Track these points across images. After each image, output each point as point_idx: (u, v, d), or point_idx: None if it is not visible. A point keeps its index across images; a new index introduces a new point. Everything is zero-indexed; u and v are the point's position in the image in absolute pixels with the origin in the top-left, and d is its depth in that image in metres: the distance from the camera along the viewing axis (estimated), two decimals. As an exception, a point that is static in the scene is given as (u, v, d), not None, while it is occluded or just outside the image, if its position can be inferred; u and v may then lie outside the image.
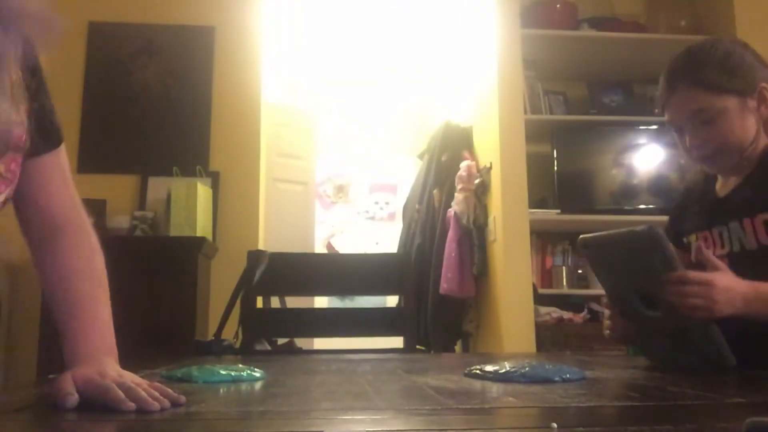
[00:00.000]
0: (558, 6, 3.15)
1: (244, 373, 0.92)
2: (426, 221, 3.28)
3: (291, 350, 2.07)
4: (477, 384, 0.87)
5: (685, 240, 1.38)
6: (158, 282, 2.56)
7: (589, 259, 1.23)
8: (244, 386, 0.87)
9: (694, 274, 1.03)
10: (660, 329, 1.11)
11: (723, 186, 1.33)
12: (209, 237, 2.86)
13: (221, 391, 0.83)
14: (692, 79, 1.24)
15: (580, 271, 3.12)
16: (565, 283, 3.05)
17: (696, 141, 1.25)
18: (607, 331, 1.23)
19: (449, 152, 3.28)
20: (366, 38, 4.35)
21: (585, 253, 1.20)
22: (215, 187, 2.99)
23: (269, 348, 2.03)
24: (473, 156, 3.20)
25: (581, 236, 1.17)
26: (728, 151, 1.23)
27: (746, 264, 1.17)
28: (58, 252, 0.90)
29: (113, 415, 0.65)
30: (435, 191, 3.28)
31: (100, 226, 2.85)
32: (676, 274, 1.02)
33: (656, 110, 1.35)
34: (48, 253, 0.90)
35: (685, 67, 1.27)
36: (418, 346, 2.87)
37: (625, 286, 1.15)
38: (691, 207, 1.41)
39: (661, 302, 1.06)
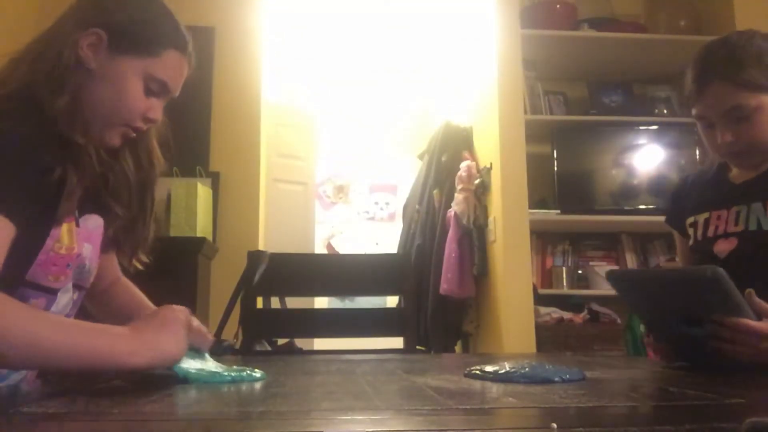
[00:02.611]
0: (558, 6, 3.15)
1: (244, 374, 0.92)
2: (426, 221, 3.28)
3: (291, 350, 2.07)
4: (477, 384, 0.87)
5: (692, 219, 1.41)
6: (158, 282, 2.55)
7: (619, 291, 1.19)
8: (244, 386, 0.87)
9: (747, 325, 0.99)
10: (699, 345, 1.08)
11: (740, 175, 1.36)
12: (209, 237, 2.86)
13: (221, 391, 0.83)
14: (729, 75, 1.21)
15: (580, 272, 3.12)
16: (565, 284, 3.05)
17: (728, 137, 1.24)
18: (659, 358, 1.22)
19: (449, 152, 3.28)
20: (366, 38, 4.36)
21: (616, 286, 1.18)
22: (215, 187, 2.99)
23: (269, 348, 2.03)
24: (473, 156, 3.20)
25: (609, 271, 1.17)
26: (759, 148, 1.25)
27: (760, 242, 1.24)
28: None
29: (113, 415, 0.65)
30: (435, 191, 3.28)
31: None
32: (730, 320, 0.99)
33: (686, 101, 1.31)
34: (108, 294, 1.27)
35: (722, 62, 1.23)
36: (418, 347, 2.87)
37: (665, 314, 1.12)
38: (698, 190, 1.44)
39: (706, 321, 1.04)
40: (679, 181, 1.59)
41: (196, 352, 0.96)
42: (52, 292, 1.00)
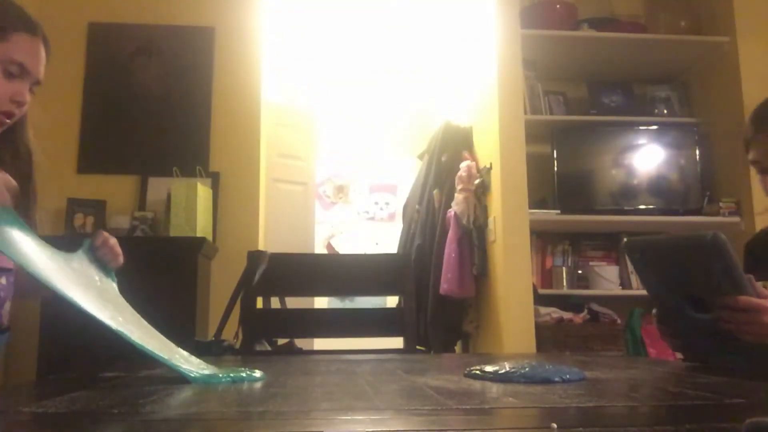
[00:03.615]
0: (558, 6, 3.15)
1: (244, 374, 0.92)
2: (426, 221, 3.28)
3: (291, 350, 2.07)
4: (477, 384, 0.87)
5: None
6: (158, 283, 2.56)
7: (633, 261, 1.22)
8: (244, 386, 0.87)
9: (746, 301, 1.02)
10: (706, 330, 1.09)
11: None
12: (209, 237, 2.86)
13: (221, 391, 0.83)
14: None
15: (580, 272, 3.12)
16: (565, 284, 3.05)
17: None
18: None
19: (449, 152, 3.28)
20: (366, 38, 4.35)
21: (631, 255, 1.19)
22: (215, 187, 2.99)
23: (269, 348, 2.03)
24: (473, 156, 3.20)
25: (627, 239, 1.18)
26: None
27: None
28: None
29: (113, 415, 0.65)
30: (435, 191, 3.28)
31: (101, 227, 2.86)
32: (729, 298, 1.01)
33: (745, 149, 1.37)
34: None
35: None
36: (418, 347, 2.87)
37: (673, 288, 1.13)
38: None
39: (712, 306, 1.05)
40: (753, 237, 1.56)
41: (104, 268, 1.01)
42: None
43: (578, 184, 3.11)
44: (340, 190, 5.33)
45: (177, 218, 2.74)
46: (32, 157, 1.25)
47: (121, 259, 1.19)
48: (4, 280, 1.20)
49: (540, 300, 2.87)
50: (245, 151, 3.08)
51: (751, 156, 1.33)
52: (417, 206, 3.42)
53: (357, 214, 5.33)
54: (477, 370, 0.95)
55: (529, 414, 0.67)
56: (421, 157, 3.75)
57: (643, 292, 3.37)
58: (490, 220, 2.97)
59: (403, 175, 4.85)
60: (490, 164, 2.98)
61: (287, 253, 2.72)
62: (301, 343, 2.19)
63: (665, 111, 3.28)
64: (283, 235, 3.58)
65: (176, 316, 2.52)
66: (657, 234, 3.16)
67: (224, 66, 3.11)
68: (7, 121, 1.14)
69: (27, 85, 1.15)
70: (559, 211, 2.96)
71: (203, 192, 2.83)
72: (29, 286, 1.33)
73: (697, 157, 3.08)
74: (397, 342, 1.95)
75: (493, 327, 2.93)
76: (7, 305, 1.21)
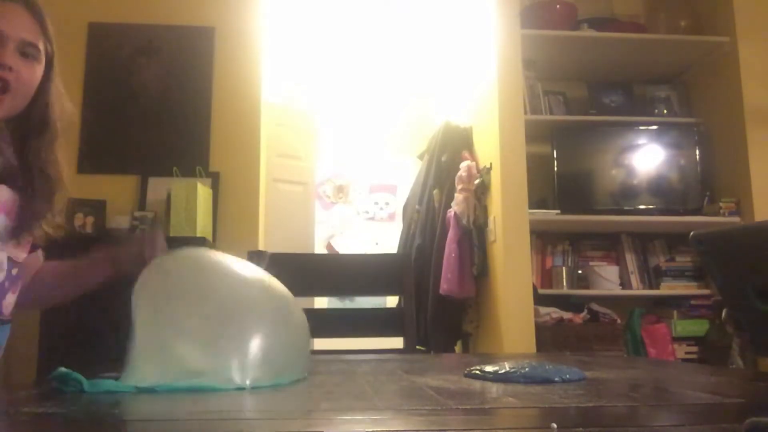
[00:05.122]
0: (558, 6, 3.15)
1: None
2: (426, 222, 3.28)
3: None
4: (477, 384, 0.87)
5: None
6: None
7: (700, 254, 1.21)
8: (244, 387, 0.87)
9: None
10: None
11: None
12: (209, 237, 2.86)
13: (221, 391, 0.83)
14: None
15: (580, 272, 3.12)
16: (565, 284, 3.04)
17: None
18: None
19: (449, 152, 3.28)
20: (366, 38, 4.35)
21: (697, 248, 1.18)
22: (215, 187, 2.99)
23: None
24: (473, 156, 3.20)
25: (693, 232, 1.17)
26: None
27: None
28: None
29: (113, 415, 0.65)
30: (435, 191, 3.28)
31: (100, 227, 2.86)
32: None
33: None
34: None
35: None
36: (418, 347, 2.87)
37: (741, 280, 1.13)
38: None
39: None
40: None
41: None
42: None
43: (578, 184, 3.11)
44: (340, 190, 5.32)
45: (177, 218, 2.74)
46: (59, 175, 1.25)
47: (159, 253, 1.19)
48: (14, 271, 1.20)
49: (540, 300, 2.87)
50: (245, 151, 3.08)
51: None
52: (417, 206, 3.42)
53: (357, 214, 5.32)
54: (477, 370, 0.95)
55: (529, 414, 0.67)
56: (421, 157, 3.75)
57: (643, 292, 3.37)
58: (490, 220, 2.97)
59: (403, 175, 4.85)
60: (490, 164, 2.98)
61: (287, 253, 2.72)
62: (301, 343, 2.19)
63: (665, 111, 3.28)
64: (283, 235, 3.58)
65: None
66: (657, 234, 3.16)
67: (224, 66, 3.11)
68: (4, 95, 1.12)
69: (8, 48, 1.13)
70: (559, 211, 2.96)
71: (203, 192, 2.83)
72: (44, 294, 1.36)
73: (697, 157, 3.08)
74: (397, 342, 1.95)
75: (493, 327, 2.93)
76: (10, 297, 1.21)
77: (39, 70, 1.19)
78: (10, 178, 1.18)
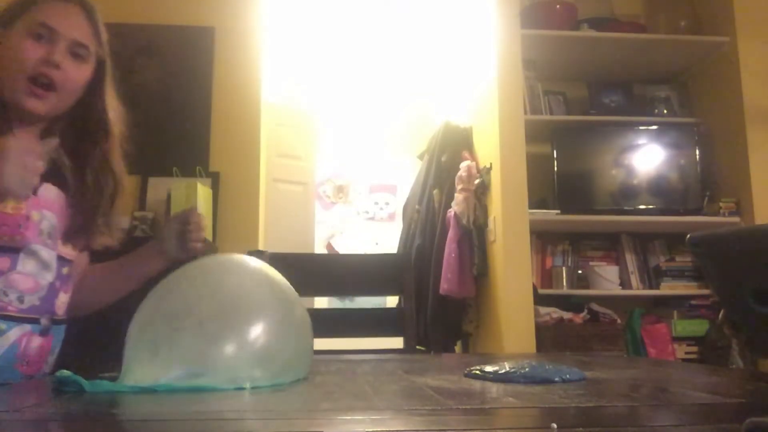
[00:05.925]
0: (558, 6, 3.15)
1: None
2: (426, 222, 3.28)
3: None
4: (477, 384, 0.87)
5: None
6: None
7: (697, 256, 1.21)
8: (244, 387, 0.87)
9: None
10: None
11: None
12: (209, 237, 2.86)
13: (220, 391, 0.83)
14: None
15: (580, 272, 3.12)
16: (565, 284, 3.04)
17: None
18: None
19: (449, 152, 3.28)
20: (366, 38, 4.36)
21: (694, 250, 1.18)
22: (215, 187, 2.99)
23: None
24: (473, 156, 3.20)
25: (690, 234, 1.17)
26: None
27: None
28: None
29: (113, 415, 0.65)
30: (435, 192, 3.28)
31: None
32: None
33: None
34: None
35: None
36: (418, 347, 2.87)
37: (737, 282, 1.12)
38: None
39: None
40: None
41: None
42: (12, 251, 1.10)
43: (578, 184, 3.11)
44: (340, 190, 5.32)
45: (177, 218, 2.74)
46: (118, 179, 1.31)
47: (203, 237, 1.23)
48: (65, 270, 1.20)
49: (540, 300, 2.87)
50: (245, 151, 3.08)
51: None
52: (417, 206, 3.42)
53: (357, 214, 5.33)
54: (477, 370, 0.95)
55: (529, 414, 0.67)
56: (421, 157, 3.75)
57: (643, 292, 3.37)
58: (490, 220, 2.97)
59: (403, 175, 4.85)
60: (490, 164, 2.98)
61: (287, 252, 2.72)
62: (301, 343, 2.19)
63: (665, 111, 3.28)
64: (283, 235, 3.58)
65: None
66: (657, 234, 3.16)
67: (224, 66, 3.11)
68: (49, 92, 1.13)
69: (59, 47, 1.15)
70: (559, 211, 2.96)
71: (203, 192, 2.83)
72: (92, 295, 1.34)
73: (697, 157, 3.08)
74: (397, 342, 1.95)
75: (493, 327, 2.93)
76: (63, 296, 1.20)
77: (86, 70, 1.20)
78: (59, 177, 1.18)
